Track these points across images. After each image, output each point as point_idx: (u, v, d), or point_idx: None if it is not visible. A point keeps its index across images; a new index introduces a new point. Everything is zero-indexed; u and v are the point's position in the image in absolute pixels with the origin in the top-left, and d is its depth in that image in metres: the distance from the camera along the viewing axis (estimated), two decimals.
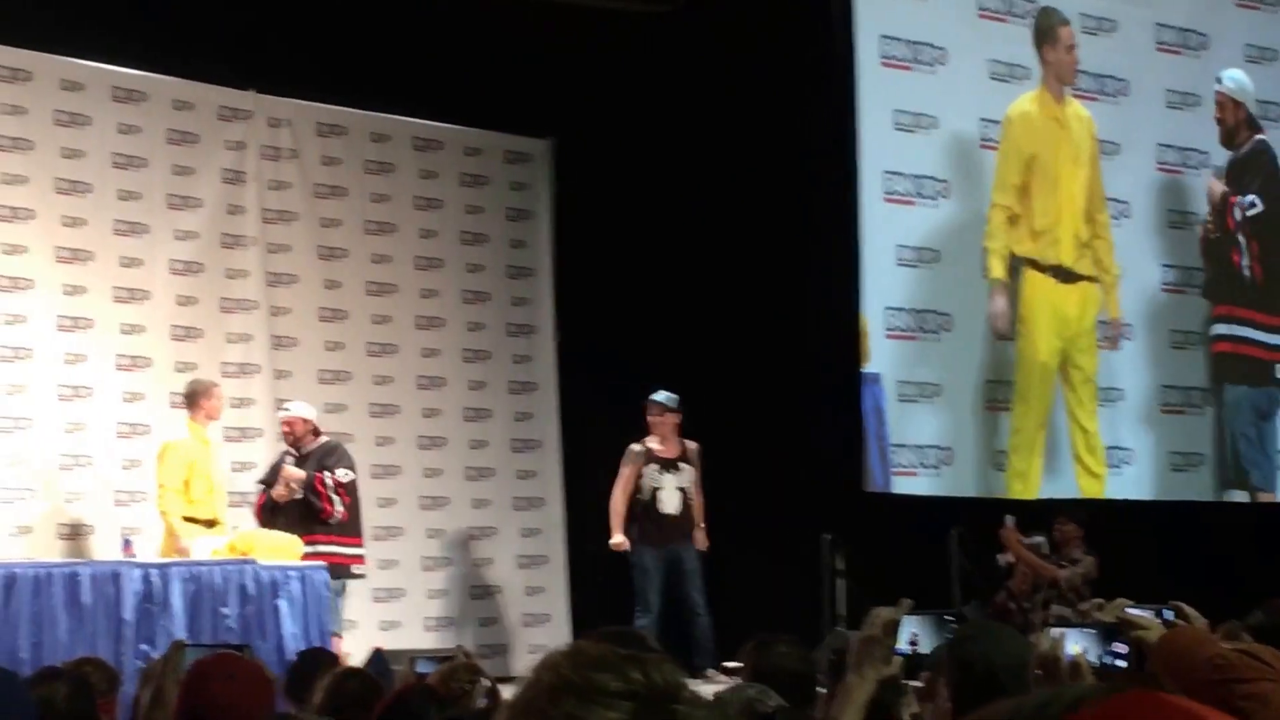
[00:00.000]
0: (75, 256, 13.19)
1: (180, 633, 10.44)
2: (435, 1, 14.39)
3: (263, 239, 14.17)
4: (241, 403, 13.54)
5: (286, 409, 13.07)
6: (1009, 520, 13.63)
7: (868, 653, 4.57)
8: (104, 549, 12.50)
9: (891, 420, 13.71)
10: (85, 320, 13.18)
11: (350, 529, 12.87)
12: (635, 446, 13.49)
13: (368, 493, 14.41)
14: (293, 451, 12.90)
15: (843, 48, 13.75)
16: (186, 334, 13.67)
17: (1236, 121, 15.40)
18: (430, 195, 15.22)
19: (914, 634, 7.79)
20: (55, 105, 13.18)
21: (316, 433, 12.98)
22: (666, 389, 13.60)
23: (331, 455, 12.92)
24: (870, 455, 13.66)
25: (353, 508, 12.92)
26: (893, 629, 4.60)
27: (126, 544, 11.74)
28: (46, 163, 13.08)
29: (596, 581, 14.91)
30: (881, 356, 13.75)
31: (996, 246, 14.33)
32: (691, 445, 13.50)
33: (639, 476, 13.41)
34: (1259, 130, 15.50)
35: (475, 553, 15.13)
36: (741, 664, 6.40)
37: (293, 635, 11.28)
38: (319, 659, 7.27)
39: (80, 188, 13.25)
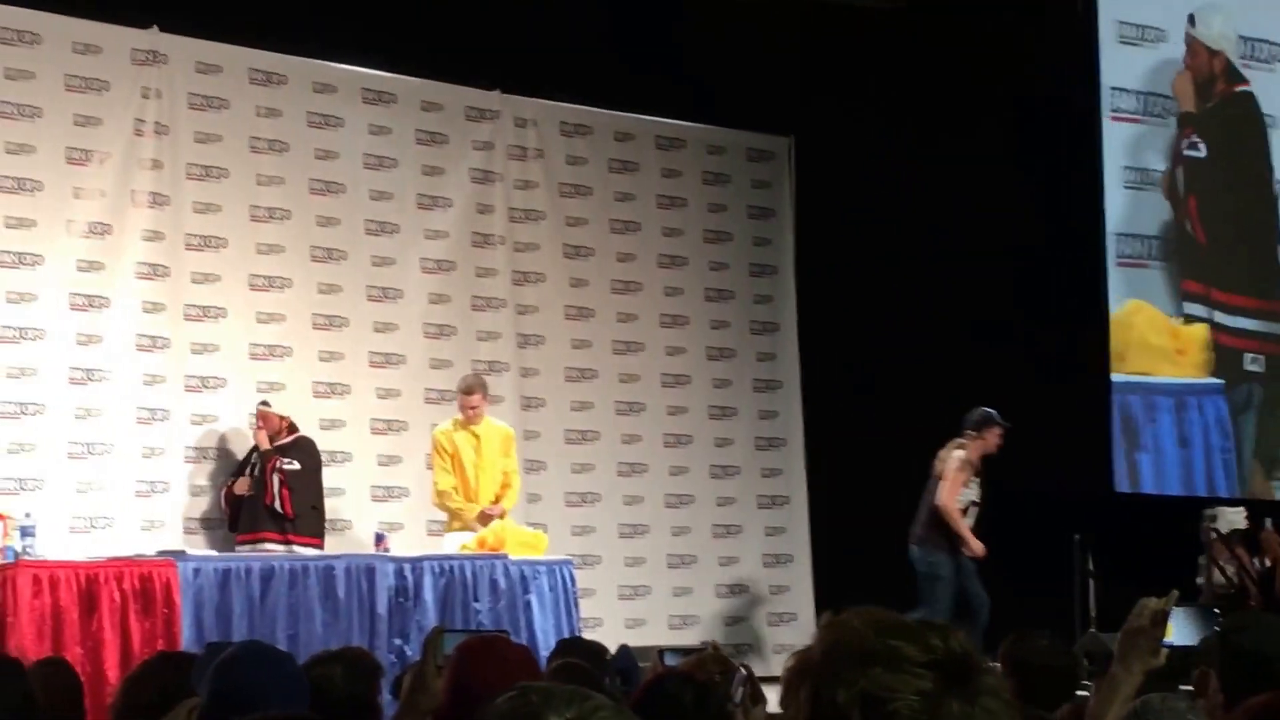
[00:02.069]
0: (329, 256, 13.43)
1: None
2: (676, 2, 14.43)
3: (510, 238, 14.33)
4: (492, 400, 13.60)
5: (266, 404, 12.62)
6: (1268, 524, 13.28)
7: (1134, 645, 4.44)
8: (360, 543, 12.66)
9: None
10: (340, 319, 13.42)
11: (306, 528, 12.38)
12: (970, 456, 13.19)
13: (613, 490, 14.51)
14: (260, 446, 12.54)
15: (1088, 34, 13.53)
16: (439, 332, 13.85)
17: (1213, 71, 14.35)
18: (673, 194, 15.26)
19: None
20: (309, 107, 13.43)
21: (293, 429, 12.64)
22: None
23: (293, 448, 12.52)
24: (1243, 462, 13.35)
25: (301, 503, 12.39)
26: (1161, 620, 4.47)
27: (380, 538, 11.90)
28: (301, 163, 13.34)
29: (842, 580, 14.83)
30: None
31: None
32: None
33: (964, 485, 13.14)
34: (1242, 81, 14.35)
35: (720, 551, 15.12)
36: (998, 662, 6.27)
37: (543, 630, 11.36)
38: (576, 647, 7.31)
39: (333, 188, 13.49)
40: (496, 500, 12.60)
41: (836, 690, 2.09)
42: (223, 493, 12.70)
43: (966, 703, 2.10)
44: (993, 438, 13.01)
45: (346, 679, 4.97)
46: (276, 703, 4.07)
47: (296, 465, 12.41)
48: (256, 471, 12.42)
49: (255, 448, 12.63)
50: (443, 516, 12.92)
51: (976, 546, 12.90)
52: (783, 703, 2.26)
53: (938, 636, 2.11)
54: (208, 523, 12.75)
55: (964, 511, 12.95)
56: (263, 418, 12.56)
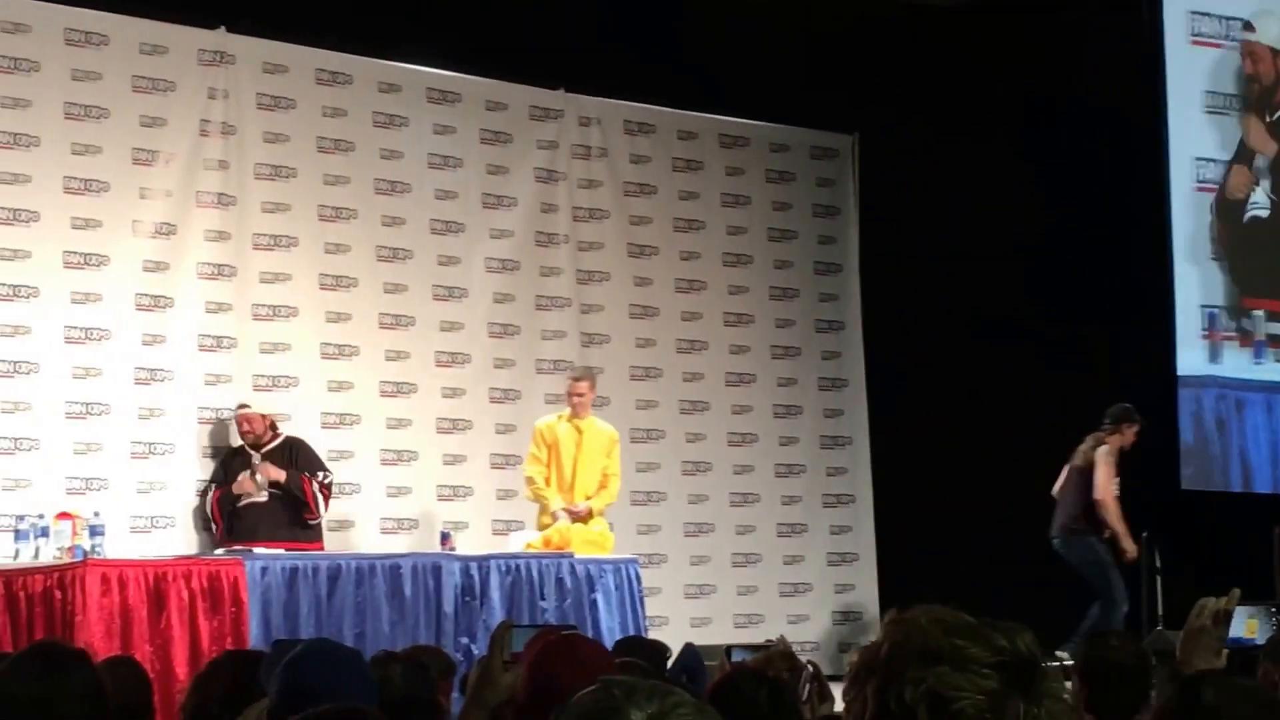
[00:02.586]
0: (395, 255, 13.46)
1: None
2: (739, 0, 14.41)
3: (574, 237, 14.33)
4: (555, 399, 13.63)
5: (247, 405, 12.36)
6: None
7: (1196, 644, 4.41)
8: (425, 542, 12.66)
9: None
10: (406, 318, 13.45)
11: (315, 534, 12.28)
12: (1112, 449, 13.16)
13: (678, 489, 14.53)
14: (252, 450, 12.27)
15: (1151, 29, 13.43)
16: (504, 331, 13.87)
17: (1277, 73, 14.11)
18: (738, 192, 15.24)
19: None
20: (374, 107, 13.46)
21: (274, 429, 12.41)
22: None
23: (303, 454, 12.32)
24: None
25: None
26: (1223, 620, 4.45)
27: (445, 537, 11.92)
28: (366, 163, 13.37)
29: (907, 578, 14.78)
30: None
31: None
32: None
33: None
34: None
35: (785, 550, 15.09)
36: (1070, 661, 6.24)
37: (609, 628, 11.36)
38: (634, 646, 7.30)
39: (399, 188, 13.52)
40: (588, 498, 12.57)
41: (903, 688, 2.11)
42: (212, 497, 12.30)
43: (1031, 704, 2.11)
44: (1130, 433, 13.03)
45: (406, 678, 4.95)
46: (345, 700, 4.06)
47: (331, 477, 12.39)
48: (287, 484, 12.15)
49: (241, 450, 12.31)
50: (508, 515, 12.95)
51: (1130, 547, 12.85)
52: (847, 696, 2.26)
53: (1004, 637, 2.12)
54: None
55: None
56: (247, 420, 12.26)
